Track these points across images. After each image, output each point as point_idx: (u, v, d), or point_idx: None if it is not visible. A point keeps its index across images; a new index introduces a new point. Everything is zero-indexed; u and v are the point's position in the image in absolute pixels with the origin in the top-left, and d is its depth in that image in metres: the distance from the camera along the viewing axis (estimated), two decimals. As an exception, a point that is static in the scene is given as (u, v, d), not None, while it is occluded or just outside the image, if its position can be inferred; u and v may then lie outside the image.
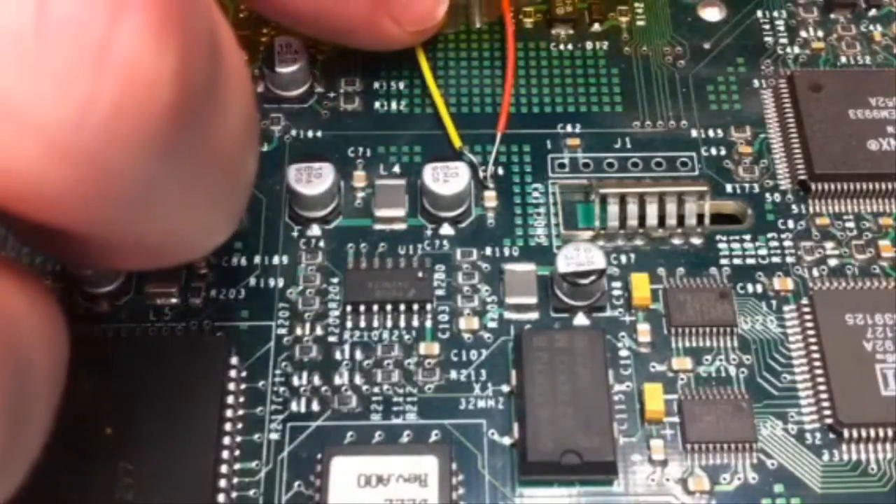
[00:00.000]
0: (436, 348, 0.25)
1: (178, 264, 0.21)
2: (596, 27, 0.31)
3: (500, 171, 0.28)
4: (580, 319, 0.26)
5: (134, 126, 0.14)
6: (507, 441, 0.24)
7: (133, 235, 0.17)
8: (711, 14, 0.32)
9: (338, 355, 0.25)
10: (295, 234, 0.27)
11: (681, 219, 0.27)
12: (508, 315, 0.26)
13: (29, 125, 0.13)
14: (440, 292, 0.26)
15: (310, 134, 0.29)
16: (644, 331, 0.26)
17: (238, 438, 0.24)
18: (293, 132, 0.29)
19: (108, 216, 0.16)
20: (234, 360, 0.25)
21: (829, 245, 0.27)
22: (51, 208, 0.15)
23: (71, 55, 0.13)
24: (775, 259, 0.27)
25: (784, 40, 0.31)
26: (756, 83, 0.30)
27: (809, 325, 0.25)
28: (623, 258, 0.27)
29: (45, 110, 0.13)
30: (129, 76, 0.14)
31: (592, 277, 0.25)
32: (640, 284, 0.26)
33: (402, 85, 0.30)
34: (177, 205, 0.17)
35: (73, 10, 0.13)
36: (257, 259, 0.27)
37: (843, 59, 0.31)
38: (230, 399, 0.24)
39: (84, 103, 0.14)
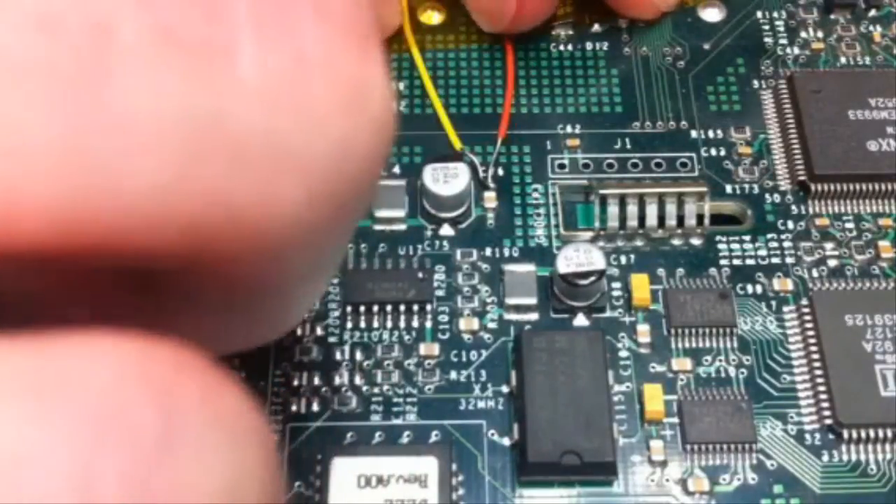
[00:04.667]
0: (436, 349, 0.25)
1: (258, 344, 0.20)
2: (596, 27, 0.31)
3: (500, 171, 0.28)
4: (580, 320, 0.26)
5: (376, 170, 0.14)
6: (506, 442, 0.24)
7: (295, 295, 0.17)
8: (711, 14, 0.32)
9: (338, 356, 0.25)
10: (295, 234, 0.27)
11: (680, 219, 0.27)
12: (508, 316, 0.26)
13: (304, 169, 0.13)
14: (440, 293, 0.26)
15: (310, 134, 0.29)
16: (644, 331, 0.26)
17: (238, 439, 0.24)
18: (293, 133, 0.29)
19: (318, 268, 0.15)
20: (234, 361, 0.25)
21: (828, 246, 0.27)
22: (290, 257, 0.14)
23: (332, 94, 0.13)
24: (775, 260, 0.27)
25: (784, 41, 0.31)
26: (756, 84, 0.30)
27: (809, 325, 0.25)
28: (623, 259, 0.27)
29: (314, 152, 0.13)
30: (379, 116, 0.14)
31: (592, 278, 0.25)
32: (640, 285, 0.26)
33: (402, 86, 0.30)
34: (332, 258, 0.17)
35: (327, 48, 0.13)
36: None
37: (843, 60, 0.31)
38: (230, 399, 0.24)
39: (344, 145, 0.13)
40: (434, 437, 0.24)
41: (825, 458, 0.24)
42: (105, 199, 0.12)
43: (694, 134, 0.29)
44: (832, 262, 0.27)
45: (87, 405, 0.11)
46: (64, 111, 0.11)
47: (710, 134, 0.29)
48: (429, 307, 0.26)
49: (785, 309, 0.26)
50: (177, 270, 0.13)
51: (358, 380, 0.25)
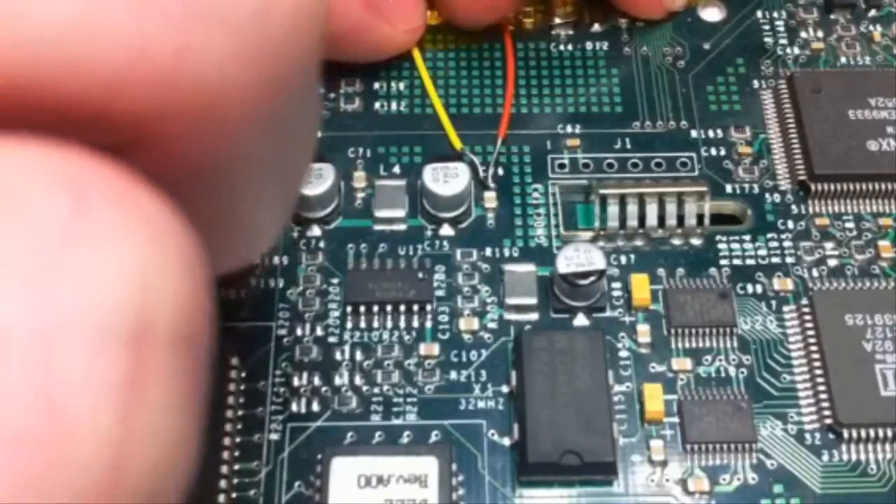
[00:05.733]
0: (436, 349, 0.25)
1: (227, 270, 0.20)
2: (596, 27, 0.31)
3: (500, 171, 0.28)
4: (580, 320, 0.26)
5: (305, 37, 0.14)
6: (506, 442, 0.24)
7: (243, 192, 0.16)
8: (711, 14, 0.32)
9: (338, 356, 0.25)
10: (295, 234, 0.27)
11: (680, 219, 0.27)
12: (508, 316, 0.26)
13: (221, 21, 0.12)
14: (440, 293, 0.26)
15: (310, 134, 0.29)
16: (644, 331, 0.26)
17: (238, 439, 0.24)
18: (293, 133, 0.29)
19: (256, 143, 0.15)
20: (234, 361, 0.25)
21: (828, 245, 0.27)
22: (222, 120, 0.13)
23: None
24: (775, 259, 0.27)
25: (784, 41, 0.31)
26: (756, 83, 0.30)
27: (809, 325, 0.25)
28: (623, 259, 0.27)
29: (233, 5, 0.13)
30: None
31: (592, 278, 0.25)
32: (640, 285, 0.26)
33: (402, 86, 0.30)
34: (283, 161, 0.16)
35: None
36: (257, 259, 0.27)
37: (843, 60, 0.31)
38: (230, 399, 0.24)
39: (266, 4, 0.13)
40: (434, 437, 0.24)
41: (825, 457, 0.24)
42: (7, 39, 0.11)
43: (694, 134, 0.29)
44: (832, 262, 0.27)
45: None
46: None
47: (710, 134, 0.29)
48: (429, 307, 0.26)
49: (785, 309, 0.26)
50: (124, 137, 0.13)
51: (358, 380, 0.25)
